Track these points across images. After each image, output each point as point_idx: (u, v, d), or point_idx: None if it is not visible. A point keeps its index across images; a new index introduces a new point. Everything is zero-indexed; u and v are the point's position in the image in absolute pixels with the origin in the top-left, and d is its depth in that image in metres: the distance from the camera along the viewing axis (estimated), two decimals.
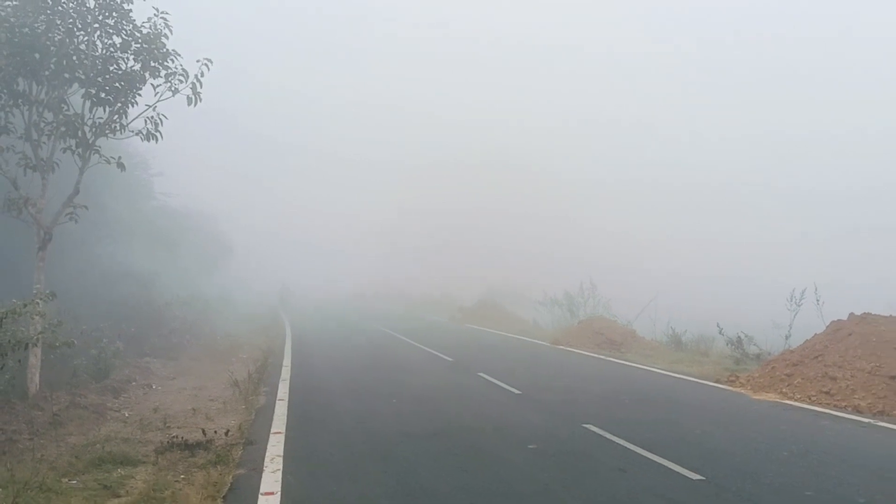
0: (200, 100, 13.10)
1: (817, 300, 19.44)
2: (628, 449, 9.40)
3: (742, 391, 15.24)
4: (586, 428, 10.79)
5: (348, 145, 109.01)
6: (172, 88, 13.18)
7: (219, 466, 8.40)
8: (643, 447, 9.38)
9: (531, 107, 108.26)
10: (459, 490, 7.39)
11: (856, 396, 13.23)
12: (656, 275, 50.22)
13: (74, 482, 7.91)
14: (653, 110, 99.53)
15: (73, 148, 12.73)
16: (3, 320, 9.81)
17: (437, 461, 8.72)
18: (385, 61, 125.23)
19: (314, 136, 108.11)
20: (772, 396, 14.40)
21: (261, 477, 7.92)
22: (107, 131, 12.99)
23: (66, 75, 12.59)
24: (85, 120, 12.79)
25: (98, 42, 12.96)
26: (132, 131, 13.20)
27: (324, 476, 7.99)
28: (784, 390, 14.54)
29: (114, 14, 12.86)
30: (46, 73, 12.44)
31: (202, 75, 13.04)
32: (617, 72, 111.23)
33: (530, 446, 9.58)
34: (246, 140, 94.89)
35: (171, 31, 13.13)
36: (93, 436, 10.33)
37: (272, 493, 7.27)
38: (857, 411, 12.75)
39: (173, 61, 13.17)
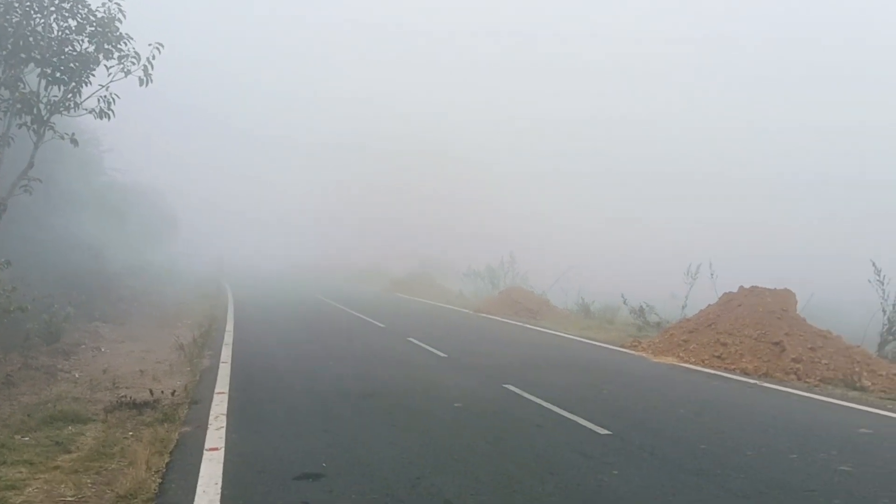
0: (151, 81, 12.72)
1: (711, 275, 19.92)
2: (544, 407, 9.49)
3: (644, 355, 15.55)
4: (507, 388, 10.87)
5: (293, 128, 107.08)
6: (125, 70, 12.77)
7: (165, 424, 8.19)
8: (557, 405, 9.48)
9: (467, 101, 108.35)
10: (392, 445, 7.36)
11: (744, 360, 13.62)
12: (571, 251, 50.86)
13: (27, 439, 7.62)
14: (574, 104, 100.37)
15: (29, 124, 12.24)
16: None
17: (372, 419, 8.67)
18: (336, 49, 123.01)
19: (263, 119, 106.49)
20: (670, 360, 14.73)
21: (205, 434, 7.75)
22: (61, 109, 12.51)
23: (23, 55, 12.09)
24: (40, 98, 12.30)
25: (54, 24, 12.46)
26: (85, 109, 12.75)
27: (266, 432, 7.87)
28: (681, 354, 14.89)
29: None
30: (3, 52, 11.91)
31: (153, 58, 12.66)
32: (546, 68, 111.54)
33: (456, 405, 9.60)
34: (196, 120, 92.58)
35: (124, 15, 12.73)
36: (44, 395, 9.97)
37: (217, 449, 7.12)
38: (745, 373, 13.13)
39: (126, 44, 12.75)
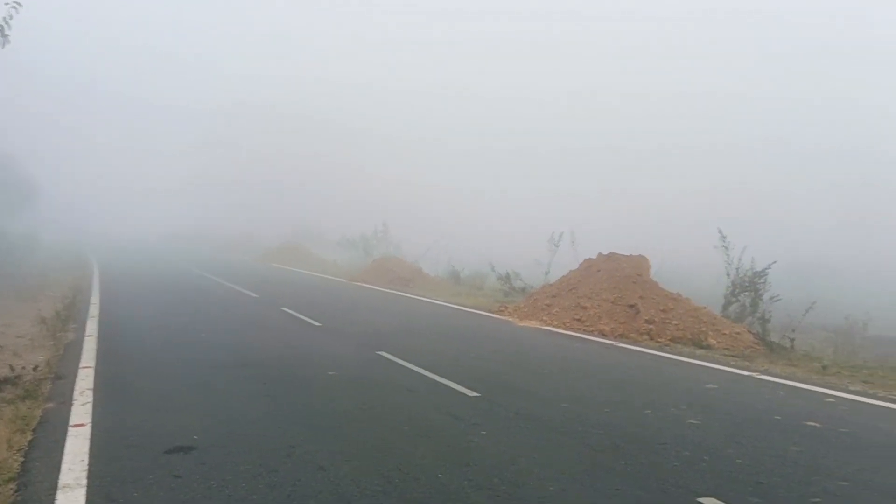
0: (9, 42, 11.78)
1: (572, 242, 20.57)
2: (416, 372, 9.56)
3: (510, 319, 15.93)
4: (380, 355, 10.87)
5: (164, 94, 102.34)
6: None
7: (27, 401, 7.70)
8: (429, 370, 9.57)
9: (348, 70, 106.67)
10: (265, 415, 7.22)
11: (602, 322, 14.18)
12: (444, 221, 51.40)
13: None
14: (453, 76, 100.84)
15: None
16: None
17: (246, 390, 8.47)
18: (222, 14, 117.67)
19: (131, 85, 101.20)
20: (534, 323, 15.15)
21: (70, 410, 7.35)
22: None
23: None
24: None
25: None
26: None
27: (135, 406, 7.54)
28: (544, 318, 15.33)
29: None
30: None
31: (11, 18, 11.71)
32: (430, 39, 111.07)
33: (330, 373, 9.53)
34: (61, 88, 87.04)
35: None
36: None
37: (82, 425, 6.76)
38: (603, 335, 13.68)
39: None
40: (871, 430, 7.05)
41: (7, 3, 11.69)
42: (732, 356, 11.90)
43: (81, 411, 7.29)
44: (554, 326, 14.70)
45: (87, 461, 5.69)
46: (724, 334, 13.24)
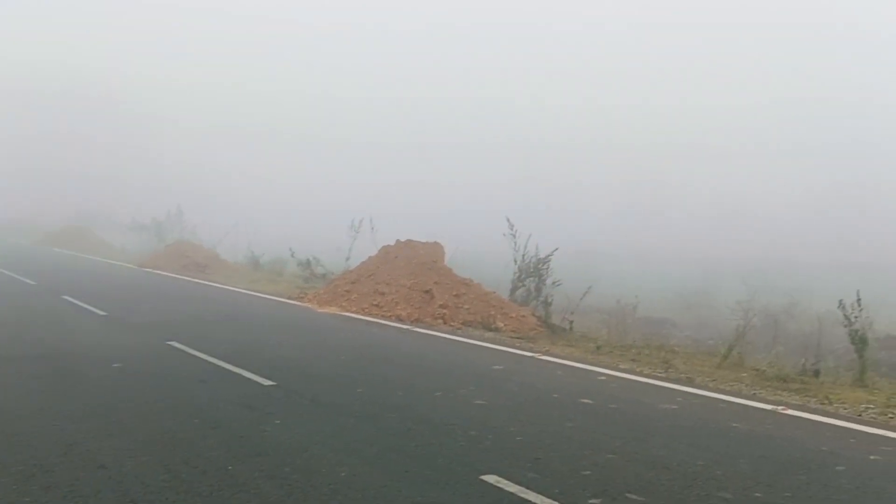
0: None
1: (372, 229, 20.65)
2: (209, 362, 9.22)
3: (310, 306, 15.79)
4: (171, 345, 10.37)
5: None
6: None
7: None
8: (222, 359, 9.25)
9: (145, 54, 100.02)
10: (41, 412, 6.67)
11: (399, 308, 14.39)
12: (243, 206, 49.91)
13: None
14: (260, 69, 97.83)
15: None
16: None
17: (19, 386, 7.78)
18: None
19: None
20: (334, 309, 15.11)
21: None
22: None
23: None
24: None
25: None
26: None
27: None
28: (344, 304, 15.33)
29: None
30: None
31: None
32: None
33: (115, 365, 8.95)
34: None
35: None
36: None
37: None
38: (400, 320, 13.89)
39: None
40: (635, 405, 7.69)
41: None
42: (518, 338, 12.52)
43: None
44: (353, 312, 14.73)
45: None
46: (512, 317, 13.90)
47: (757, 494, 4.96)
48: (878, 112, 70.47)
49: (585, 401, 7.75)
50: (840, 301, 9.90)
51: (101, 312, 13.68)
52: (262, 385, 8.01)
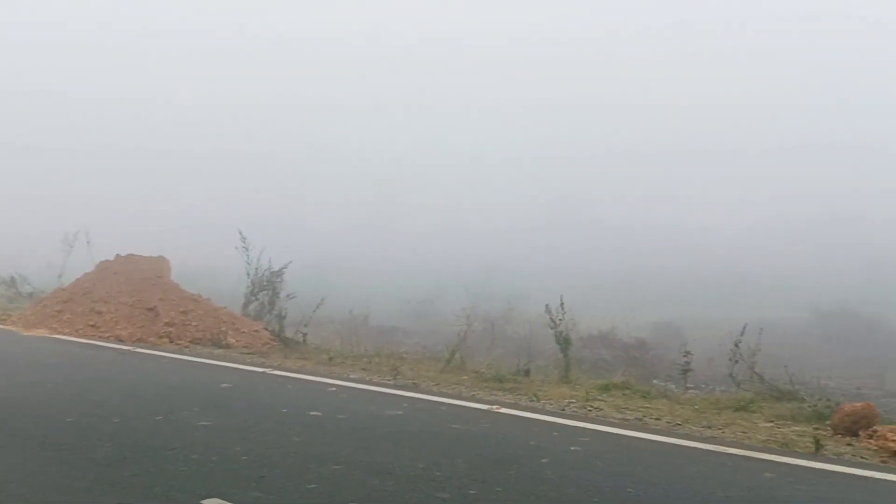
0: None
1: (88, 243, 19.10)
2: None
3: (13, 328, 14.21)
4: None
5: None
6: None
7: None
8: None
9: None
10: None
11: (119, 327, 13.41)
12: None
13: None
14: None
15: None
16: None
17: None
18: None
19: None
20: (42, 332, 13.70)
21: None
22: None
23: None
24: None
25: None
26: None
27: None
28: (54, 325, 13.97)
29: None
30: None
31: None
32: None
33: None
34: None
35: None
36: None
37: None
38: (120, 340, 12.95)
39: None
40: (363, 414, 7.81)
41: None
42: (250, 354, 12.21)
43: None
44: (66, 335, 13.46)
45: None
46: (244, 333, 13.53)
47: (472, 492, 5.25)
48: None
49: (314, 413, 7.73)
50: (546, 305, 10.85)
51: None
52: None
